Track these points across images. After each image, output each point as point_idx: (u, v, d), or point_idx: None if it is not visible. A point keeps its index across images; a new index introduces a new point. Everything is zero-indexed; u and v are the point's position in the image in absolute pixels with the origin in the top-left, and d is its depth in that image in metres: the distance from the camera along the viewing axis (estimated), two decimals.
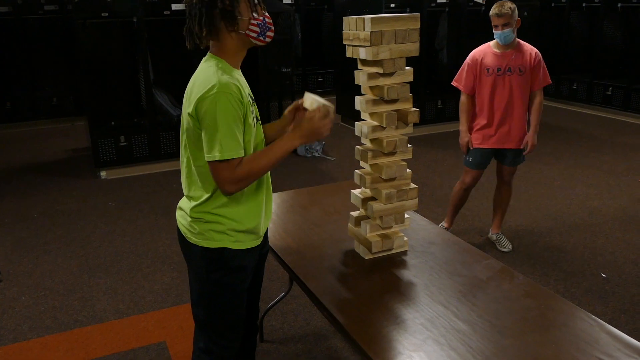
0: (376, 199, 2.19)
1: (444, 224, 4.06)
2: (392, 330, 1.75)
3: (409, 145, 2.15)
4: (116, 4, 5.49)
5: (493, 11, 3.46)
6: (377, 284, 2.05)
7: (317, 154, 6.25)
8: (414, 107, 2.12)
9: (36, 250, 4.04)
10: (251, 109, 1.83)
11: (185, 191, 1.94)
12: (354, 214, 2.30)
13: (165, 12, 5.64)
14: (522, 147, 3.65)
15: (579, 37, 8.41)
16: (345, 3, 7.14)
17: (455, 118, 7.38)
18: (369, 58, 1.97)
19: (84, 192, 5.24)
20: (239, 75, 1.85)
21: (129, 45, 5.88)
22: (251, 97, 1.87)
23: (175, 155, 5.76)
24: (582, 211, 4.54)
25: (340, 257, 2.26)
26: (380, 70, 2.01)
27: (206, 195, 1.85)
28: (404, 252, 2.26)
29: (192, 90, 1.78)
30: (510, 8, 3.44)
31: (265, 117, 6.21)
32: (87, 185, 5.43)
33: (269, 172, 1.96)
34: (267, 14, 1.84)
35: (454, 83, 3.75)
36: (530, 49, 3.55)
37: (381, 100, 2.07)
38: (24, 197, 5.15)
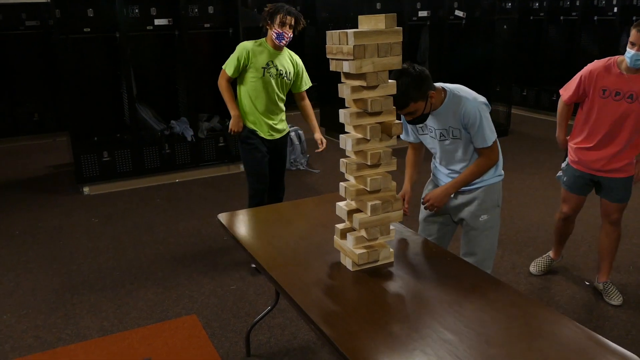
0: (361, 211, 2.20)
1: (551, 254, 3.73)
2: (379, 342, 1.75)
3: (392, 158, 2.17)
4: (98, 19, 5.48)
5: (637, 26, 2.89)
6: (364, 296, 2.06)
7: (301, 167, 6.26)
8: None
9: (17, 269, 3.98)
10: (265, 65, 3.65)
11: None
12: (340, 226, 2.31)
13: (148, 27, 5.64)
14: (626, 176, 3.17)
15: (557, 49, 8.55)
16: (327, 18, 7.20)
17: None
18: (352, 71, 1.99)
19: (66, 209, 5.19)
20: (275, 52, 3.66)
21: (112, 61, 5.86)
22: (276, 66, 3.72)
23: (159, 170, 5.74)
24: None
25: (327, 270, 2.25)
26: (364, 83, 2.02)
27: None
28: (390, 264, 2.27)
29: None
30: None
31: None
32: (69, 201, 5.38)
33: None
34: (285, 29, 3.53)
35: (561, 91, 3.31)
36: None
37: (365, 112, 2.08)
38: (5, 215, 5.07)
